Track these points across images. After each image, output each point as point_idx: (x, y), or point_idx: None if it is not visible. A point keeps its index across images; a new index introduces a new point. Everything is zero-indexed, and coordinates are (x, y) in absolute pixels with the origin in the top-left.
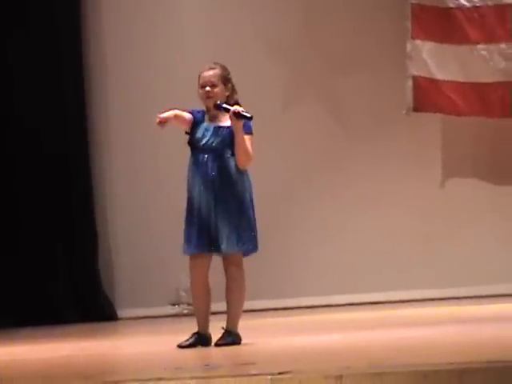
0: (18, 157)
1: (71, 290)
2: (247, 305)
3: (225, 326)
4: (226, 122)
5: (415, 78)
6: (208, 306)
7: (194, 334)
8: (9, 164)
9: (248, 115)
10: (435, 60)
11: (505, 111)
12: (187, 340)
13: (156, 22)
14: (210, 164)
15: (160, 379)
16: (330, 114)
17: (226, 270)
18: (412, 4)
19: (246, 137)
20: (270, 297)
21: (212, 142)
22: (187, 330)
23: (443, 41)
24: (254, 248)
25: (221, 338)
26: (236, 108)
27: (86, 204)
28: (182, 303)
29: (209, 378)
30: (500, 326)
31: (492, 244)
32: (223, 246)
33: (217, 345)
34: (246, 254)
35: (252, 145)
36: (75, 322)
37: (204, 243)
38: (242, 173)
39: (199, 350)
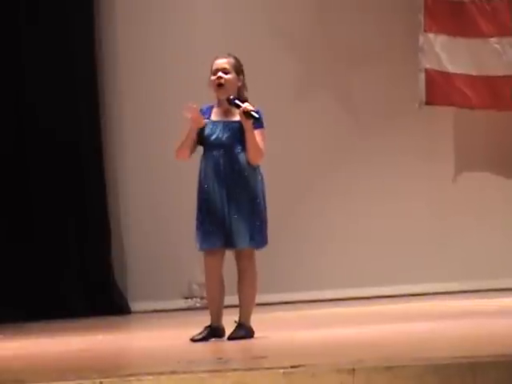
0: (30, 146)
1: (83, 283)
2: (260, 298)
3: (237, 320)
4: (235, 116)
5: (428, 72)
6: (222, 299)
7: (207, 327)
8: (21, 153)
9: (256, 115)
10: (448, 53)
11: None
12: (200, 333)
13: (168, 20)
14: (221, 160)
15: (173, 373)
16: (343, 107)
17: (237, 263)
18: None
19: (258, 131)
20: (282, 290)
21: (222, 138)
22: (200, 323)
23: (456, 34)
24: (265, 242)
25: (234, 331)
26: (246, 106)
27: (98, 197)
28: (195, 297)
29: (222, 371)
30: None
31: (506, 237)
32: (238, 242)
33: (230, 338)
34: (257, 248)
35: (264, 139)
36: (87, 315)
37: (218, 239)
38: (253, 167)
39: (212, 344)
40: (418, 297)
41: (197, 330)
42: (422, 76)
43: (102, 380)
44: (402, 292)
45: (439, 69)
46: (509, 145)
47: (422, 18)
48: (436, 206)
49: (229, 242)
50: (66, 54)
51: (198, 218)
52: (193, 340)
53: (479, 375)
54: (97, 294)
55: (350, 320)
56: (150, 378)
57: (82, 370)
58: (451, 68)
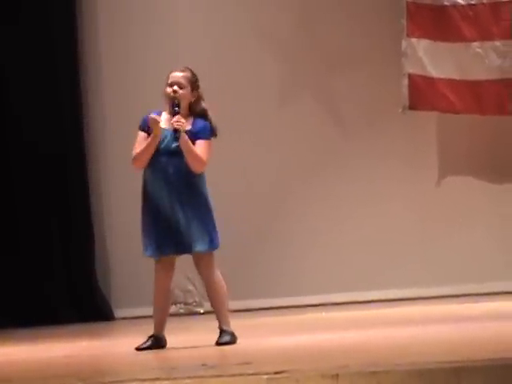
0: (14, 157)
1: (67, 290)
2: (243, 304)
3: (218, 326)
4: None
5: (411, 76)
6: (167, 308)
7: (151, 336)
8: (5, 164)
9: (178, 128)
10: (431, 58)
11: (500, 109)
12: (145, 342)
13: (151, 20)
14: (169, 167)
15: (156, 379)
16: (326, 112)
17: (199, 270)
18: (407, 2)
19: (201, 141)
20: (265, 296)
21: (171, 145)
22: (183, 329)
23: (438, 39)
24: (214, 247)
25: (219, 337)
26: (173, 121)
27: (82, 204)
28: (179, 303)
29: (205, 377)
30: (496, 324)
31: (488, 242)
32: (195, 246)
33: (218, 344)
34: (213, 250)
35: (207, 149)
36: (72, 322)
37: (170, 246)
38: (199, 174)
39: (195, 350)
40: (402, 301)
41: (180, 335)
42: (406, 81)
43: None
44: (386, 297)
45: (422, 73)
46: (492, 149)
47: (404, 22)
48: (419, 210)
49: (182, 248)
50: (47, 54)
51: (145, 225)
52: (138, 349)
53: (464, 380)
54: (81, 301)
55: (333, 325)
56: None
57: (65, 377)
58: (434, 73)
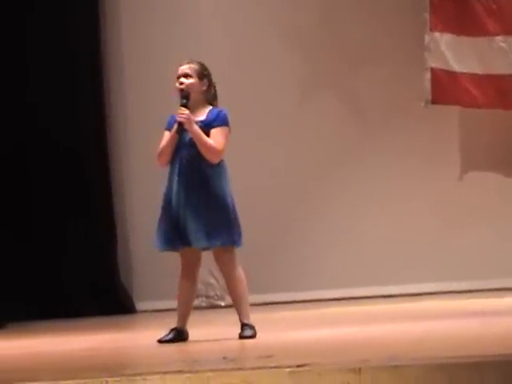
0: (34, 147)
1: (90, 283)
2: (264, 298)
3: (240, 320)
4: (199, 116)
5: (433, 71)
6: (191, 301)
7: (173, 329)
8: (24, 155)
9: (180, 121)
10: (453, 52)
11: None
12: (167, 335)
13: (173, 21)
14: (184, 160)
15: (179, 372)
16: (348, 107)
17: (218, 265)
18: None
19: (216, 130)
20: (286, 290)
21: (186, 138)
22: (204, 322)
23: (461, 33)
24: (233, 242)
25: (242, 331)
26: (178, 112)
27: (104, 196)
28: (200, 296)
29: (227, 370)
30: None
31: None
32: (194, 241)
33: (241, 337)
34: (223, 246)
35: (223, 137)
36: (93, 315)
37: (176, 239)
38: (216, 166)
39: (217, 343)
40: (423, 296)
41: (202, 329)
42: (428, 75)
43: (107, 379)
44: (407, 291)
45: (445, 68)
46: None
47: (427, 16)
48: (441, 206)
49: (187, 242)
50: (71, 54)
51: (160, 218)
52: (160, 341)
53: (486, 374)
54: (103, 294)
55: (355, 319)
56: (156, 377)
57: (88, 370)
58: (457, 67)
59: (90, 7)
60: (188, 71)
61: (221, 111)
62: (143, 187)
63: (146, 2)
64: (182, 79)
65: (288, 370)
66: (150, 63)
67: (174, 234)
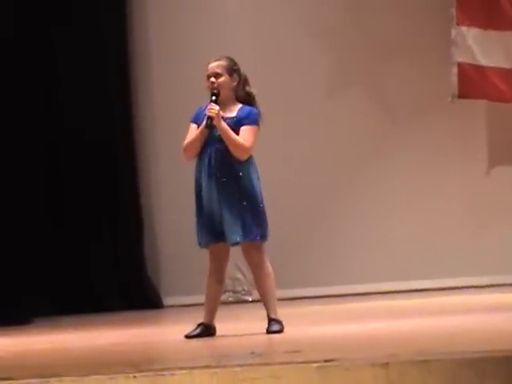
0: (64, 147)
1: (116, 277)
2: (292, 293)
3: (267, 315)
4: (229, 112)
5: (460, 65)
6: (218, 297)
7: (200, 324)
8: (54, 154)
9: (210, 115)
10: (480, 46)
11: None
12: (194, 330)
13: (200, 20)
14: (213, 155)
15: (206, 367)
16: (375, 101)
17: (247, 260)
18: None
19: (245, 127)
20: (314, 284)
21: (216, 134)
22: (232, 317)
23: (488, 27)
24: (263, 236)
25: (269, 325)
26: (207, 109)
27: (131, 191)
28: (228, 291)
29: (255, 365)
30: None
31: None
32: (229, 237)
33: (268, 332)
34: (253, 242)
35: (252, 135)
36: (120, 309)
37: (211, 235)
38: (245, 163)
39: (244, 338)
40: (452, 290)
41: (229, 324)
42: (455, 69)
43: (135, 374)
44: (436, 286)
45: (472, 62)
46: None
47: (454, 11)
48: (469, 202)
49: (221, 238)
50: (99, 55)
51: (196, 216)
52: (187, 336)
53: None
54: (131, 289)
55: (382, 314)
56: (184, 372)
57: (115, 364)
58: (484, 61)
59: (118, 7)
60: (218, 70)
61: (252, 110)
62: (169, 186)
63: (174, 2)
64: (212, 79)
65: (316, 365)
66: (178, 63)
67: (211, 231)
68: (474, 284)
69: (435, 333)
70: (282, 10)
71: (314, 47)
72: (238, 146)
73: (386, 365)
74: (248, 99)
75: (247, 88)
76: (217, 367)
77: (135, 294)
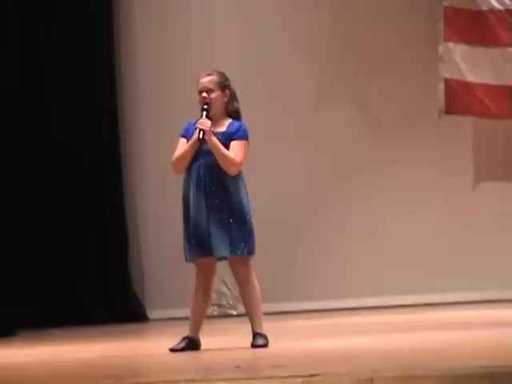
0: (50, 160)
1: (101, 290)
2: (277, 307)
3: (252, 329)
4: (219, 127)
5: (447, 81)
6: (204, 311)
7: (185, 338)
8: (41, 166)
9: (201, 128)
10: (467, 63)
11: None
12: (179, 343)
13: (187, 22)
14: (202, 170)
15: (191, 380)
16: (361, 115)
17: (234, 274)
18: (445, 6)
19: (235, 142)
20: (299, 299)
21: (204, 148)
22: (217, 331)
23: (475, 43)
24: (250, 251)
25: (253, 340)
26: (198, 123)
27: (116, 205)
28: (212, 305)
29: (240, 379)
30: None
31: None
32: (217, 251)
33: (253, 346)
34: (241, 256)
35: (243, 150)
36: (105, 322)
37: (200, 249)
38: (235, 177)
39: (230, 352)
40: (437, 306)
41: (214, 337)
42: (442, 85)
43: None
44: (420, 301)
45: (459, 78)
46: None
47: (441, 27)
48: (455, 215)
49: (208, 252)
50: (85, 67)
51: (184, 230)
52: (172, 350)
53: None
54: (115, 302)
55: (367, 329)
56: None
57: (99, 377)
58: (471, 77)
59: (104, 21)
60: (210, 86)
61: (241, 125)
62: (155, 200)
63: (161, 14)
64: (204, 94)
65: (300, 379)
66: (165, 76)
67: (200, 245)
68: (460, 300)
69: (420, 348)
70: (270, 23)
71: (301, 60)
72: (229, 160)
73: (370, 380)
74: (237, 114)
75: (235, 104)
76: (202, 381)
77: (120, 306)
